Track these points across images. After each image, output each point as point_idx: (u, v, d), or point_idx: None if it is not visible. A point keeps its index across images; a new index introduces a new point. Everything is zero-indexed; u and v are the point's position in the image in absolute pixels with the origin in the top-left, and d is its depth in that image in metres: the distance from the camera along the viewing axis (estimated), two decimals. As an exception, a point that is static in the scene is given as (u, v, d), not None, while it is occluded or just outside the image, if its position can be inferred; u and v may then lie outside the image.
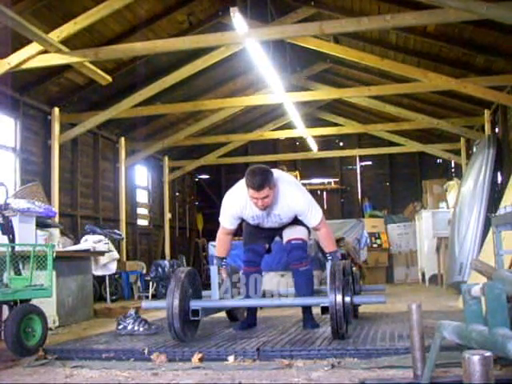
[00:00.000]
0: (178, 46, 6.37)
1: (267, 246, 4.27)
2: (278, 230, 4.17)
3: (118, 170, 10.01)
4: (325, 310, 3.48)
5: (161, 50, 6.39)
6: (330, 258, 3.92)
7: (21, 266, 4.25)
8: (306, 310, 4.16)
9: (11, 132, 7.59)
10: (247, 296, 4.03)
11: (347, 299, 3.44)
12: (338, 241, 9.06)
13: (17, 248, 4.27)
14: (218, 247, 4.14)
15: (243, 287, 4.16)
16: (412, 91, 8.84)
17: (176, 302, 3.48)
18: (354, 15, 7.25)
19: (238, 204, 3.91)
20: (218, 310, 4.18)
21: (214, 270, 3.92)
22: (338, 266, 3.56)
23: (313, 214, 3.92)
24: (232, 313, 4.59)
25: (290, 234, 4.10)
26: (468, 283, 2.32)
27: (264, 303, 4.12)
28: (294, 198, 3.87)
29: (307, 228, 4.13)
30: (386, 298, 3.61)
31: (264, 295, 4.42)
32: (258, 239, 4.18)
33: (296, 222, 4.05)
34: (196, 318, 3.62)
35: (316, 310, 5.02)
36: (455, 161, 11.81)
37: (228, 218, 4.00)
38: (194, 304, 3.63)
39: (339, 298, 3.35)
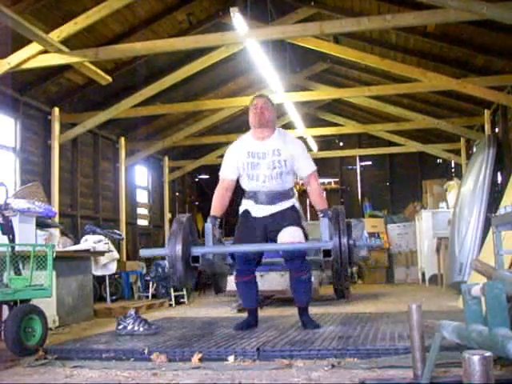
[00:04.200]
0: (178, 46, 6.37)
1: (259, 256, 4.08)
2: (272, 232, 3.97)
3: (118, 170, 10.01)
4: (327, 253, 3.48)
5: (161, 50, 6.40)
6: (321, 215, 3.83)
7: (21, 266, 4.25)
8: (304, 312, 4.10)
9: (11, 132, 7.59)
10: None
11: (351, 242, 3.45)
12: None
13: (17, 248, 4.27)
14: (213, 204, 4.03)
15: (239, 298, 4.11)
16: (412, 91, 8.85)
17: (179, 246, 3.47)
18: (354, 15, 7.26)
19: (236, 144, 4.11)
20: (215, 268, 4.08)
21: (208, 225, 3.88)
22: (340, 209, 3.58)
23: (308, 160, 4.11)
24: (217, 283, 4.49)
25: (286, 236, 3.88)
26: (468, 283, 2.32)
27: (261, 248, 3.92)
28: (293, 137, 4.26)
29: (304, 231, 4.04)
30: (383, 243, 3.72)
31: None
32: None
33: (291, 222, 3.93)
34: (196, 265, 3.60)
35: (315, 311, 5.03)
36: (455, 161, 11.82)
37: (227, 163, 4.06)
38: (195, 250, 3.62)
39: (344, 240, 3.39)
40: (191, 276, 3.68)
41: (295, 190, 4.28)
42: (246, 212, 4.08)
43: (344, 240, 3.42)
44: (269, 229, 3.98)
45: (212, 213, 4.00)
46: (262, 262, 4.21)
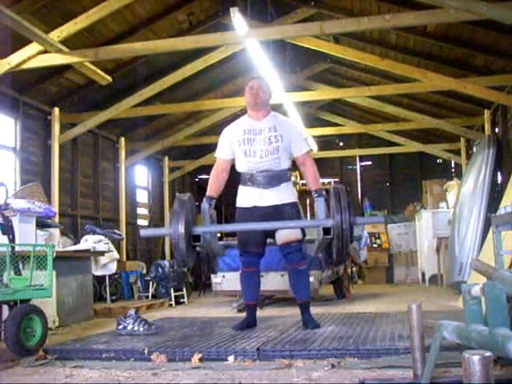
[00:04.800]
0: (177, 46, 6.37)
1: (261, 250, 4.18)
2: (271, 230, 4.05)
3: (118, 170, 10.01)
4: (326, 231, 3.47)
5: (161, 50, 6.39)
6: (315, 195, 3.87)
7: (21, 266, 4.25)
8: (305, 310, 4.13)
9: (11, 132, 7.59)
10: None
11: (352, 219, 3.45)
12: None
13: (17, 248, 4.27)
14: (209, 184, 4.08)
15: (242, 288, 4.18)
16: (412, 91, 8.84)
17: (182, 225, 3.48)
18: (354, 15, 7.26)
19: (231, 125, 4.20)
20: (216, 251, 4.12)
21: (205, 205, 3.94)
22: (341, 187, 3.59)
23: (303, 140, 4.22)
24: (211, 264, 4.46)
25: (284, 234, 4.00)
26: (468, 283, 2.32)
27: (262, 226, 3.96)
28: (288, 119, 4.45)
29: (303, 231, 4.09)
30: (383, 218, 3.79)
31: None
32: (252, 244, 4.09)
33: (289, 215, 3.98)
34: (197, 243, 3.62)
35: (315, 311, 5.02)
36: (455, 161, 11.82)
37: (222, 143, 4.13)
38: (196, 229, 3.63)
39: (345, 216, 3.37)
40: (192, 255, 3.70)
41: (293, 177, 4.32)
42: (244, 210, 4.10)
43: (346, 216, 3.40)
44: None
45: (208, 193, 4.04)
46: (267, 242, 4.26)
